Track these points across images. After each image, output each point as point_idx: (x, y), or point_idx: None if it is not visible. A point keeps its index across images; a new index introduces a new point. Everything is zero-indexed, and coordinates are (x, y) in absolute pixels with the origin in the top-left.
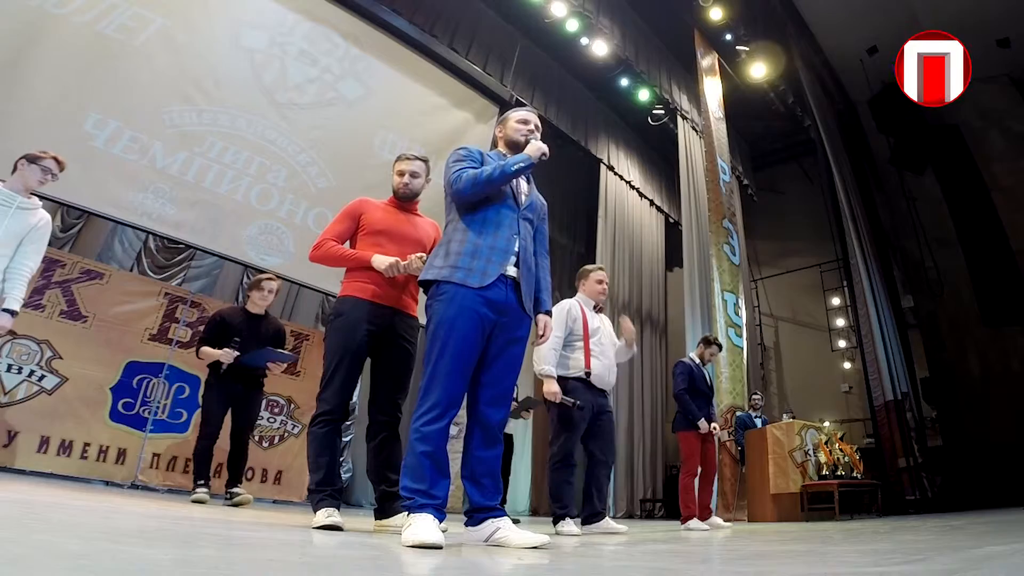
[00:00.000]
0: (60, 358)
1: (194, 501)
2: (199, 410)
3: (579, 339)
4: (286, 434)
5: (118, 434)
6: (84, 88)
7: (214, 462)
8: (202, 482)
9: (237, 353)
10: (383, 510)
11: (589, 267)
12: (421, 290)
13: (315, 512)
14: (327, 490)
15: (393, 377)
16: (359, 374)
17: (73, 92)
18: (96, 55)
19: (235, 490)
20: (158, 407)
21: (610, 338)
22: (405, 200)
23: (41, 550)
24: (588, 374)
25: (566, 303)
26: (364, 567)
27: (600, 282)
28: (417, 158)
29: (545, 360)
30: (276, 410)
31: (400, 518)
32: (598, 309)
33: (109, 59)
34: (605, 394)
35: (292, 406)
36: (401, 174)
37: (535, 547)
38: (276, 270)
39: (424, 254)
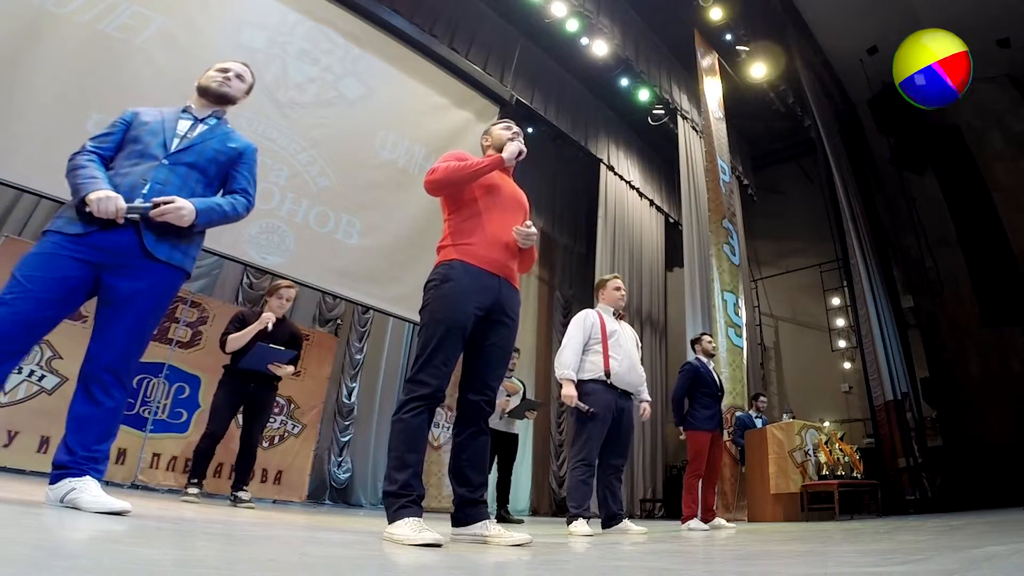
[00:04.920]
0: (60, 358)
1: (185, 501)
2: (199, 410)
3: (597, 343)
4: (286, 434)
5: (118, 434)
6: (85, 87)
7: (214, 461)
8: (195, 481)
9: (273, 316)
10: (462, 517)
11: (606, 276)
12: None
13: (393, 521)
14: (411, 495)
15: (495, 357)
16: (460, 354)
17: (74, 91)
18: (97, 54)
19: (240, 494)
20: (158, 407)
21: (631, 341)
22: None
23: (41, 550)
24: (608, 374)
25: (584, 312)
26: (364, 567)
27: (618, 289)
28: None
29: (565, 365)
30: (276, 410)
31: (480, 526)
32: (619, 316)
33: (110, 58)
34: (628, 396)
35: (292, 406)
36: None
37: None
38: (277, 269)
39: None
